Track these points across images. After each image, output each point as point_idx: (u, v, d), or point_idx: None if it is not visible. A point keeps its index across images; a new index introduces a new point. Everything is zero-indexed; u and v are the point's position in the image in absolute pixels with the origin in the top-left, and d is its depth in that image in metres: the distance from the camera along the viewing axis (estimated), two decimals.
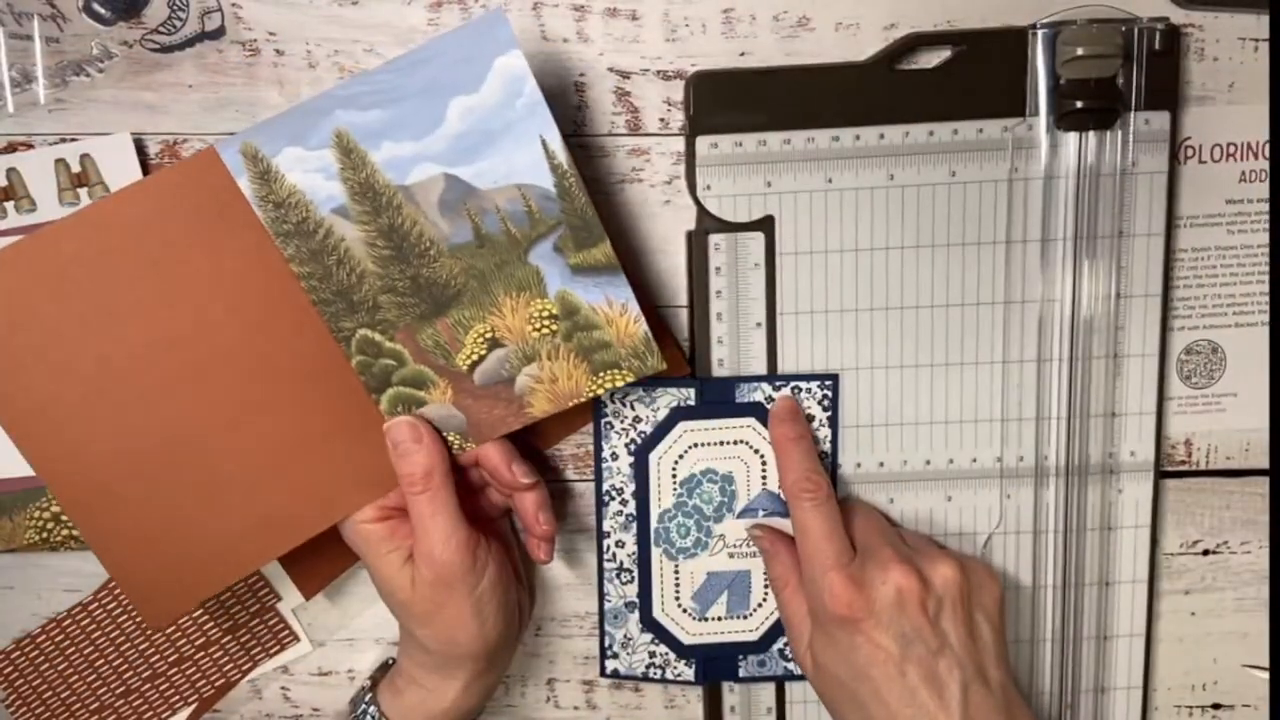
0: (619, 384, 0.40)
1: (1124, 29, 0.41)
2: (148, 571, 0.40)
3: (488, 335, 0.40)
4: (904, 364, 0.44)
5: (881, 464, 0.45)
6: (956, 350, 0.44)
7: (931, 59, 0.43)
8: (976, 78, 0.42)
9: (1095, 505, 0.45)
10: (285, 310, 0.39)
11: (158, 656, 0.47)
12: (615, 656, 0.47)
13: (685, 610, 0.46)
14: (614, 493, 0.45)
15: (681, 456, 0.44)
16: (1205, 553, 0.47)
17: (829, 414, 0.44)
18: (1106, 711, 0.47)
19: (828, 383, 0.44)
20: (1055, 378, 0.44)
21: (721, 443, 0.44)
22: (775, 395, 0.44)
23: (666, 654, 0.46)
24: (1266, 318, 0.45)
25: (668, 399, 0.44)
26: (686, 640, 0.46)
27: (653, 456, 0.44)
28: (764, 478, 0.45)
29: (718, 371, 0.44)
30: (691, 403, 0.44)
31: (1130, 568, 0.46)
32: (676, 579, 0.46)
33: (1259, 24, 0.43)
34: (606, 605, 0.46)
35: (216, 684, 0.48)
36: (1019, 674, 0.47)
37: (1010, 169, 0.43)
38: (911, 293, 0.44)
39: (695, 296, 0.44)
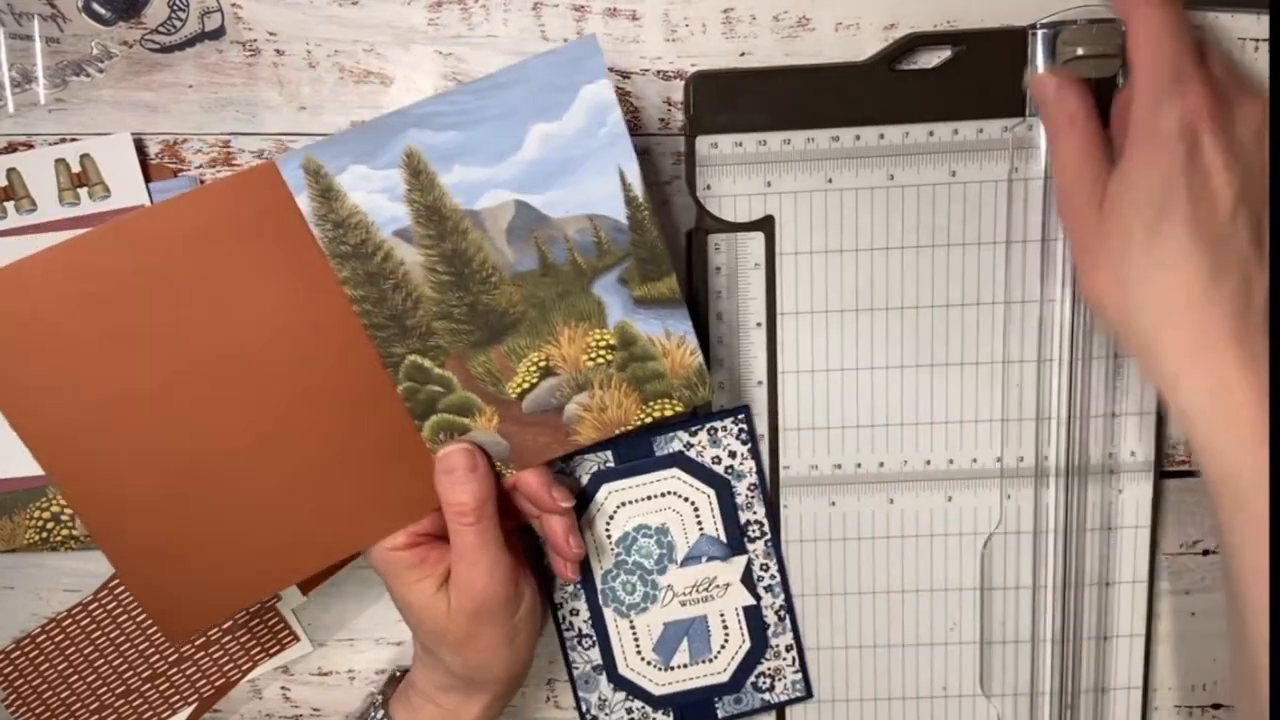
0: (668, 413, 0.40)
1: (1124, 29, 0.41)
2: (170, 588, 0.39)
3: (541, 364, 0.39)
4: (904, 364, 0.44)
5: (882, 464, 0.45)
6: (956, 350, 0.44)
7: (931, 59, 0.43)
8: (976, 78, 0.42)
9: (1095, 505, 0.45)
10: (331, 334, 0.38)
11: (158, 656, 0.47)
12: (595, 719, 0.47)
13: (649, 663, 0.46)
14: None
15: (612, 517, 0.45)
16: (1205, 553, 0.47)
17: (748, 446, 0.45)
18: (1106, 711, 0.47)
19: (740, 416, 0.44)
20: (1055, 378, 0.44)
21: (649, 497, 0.45)
22: (693, 440, 0.44)
23: (643, 707, 0.47)
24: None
25: (587, 464, 0.44)
26: (657, 691, 0.46)
27: (583, 522, 0.44)
28: (699, 524, 0.45)
29: (716, 373, 0.44)
30: (610, 464, 0.44)
31: (1130, 568, 0.46)
32: (634, 634, 0.46)
33: (1259, 24, 0.43)
34: (575, 673, 0.46)
35: (216, 684, 0.48)
36: (1019, 673, 0.47)
37: (1010, 169, 0.43)
38: (911, 293, 0.44)
39: (695, 296, 0.44)
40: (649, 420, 0.40)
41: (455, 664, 0.40)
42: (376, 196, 0.37)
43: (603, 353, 0.39)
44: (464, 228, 0.37)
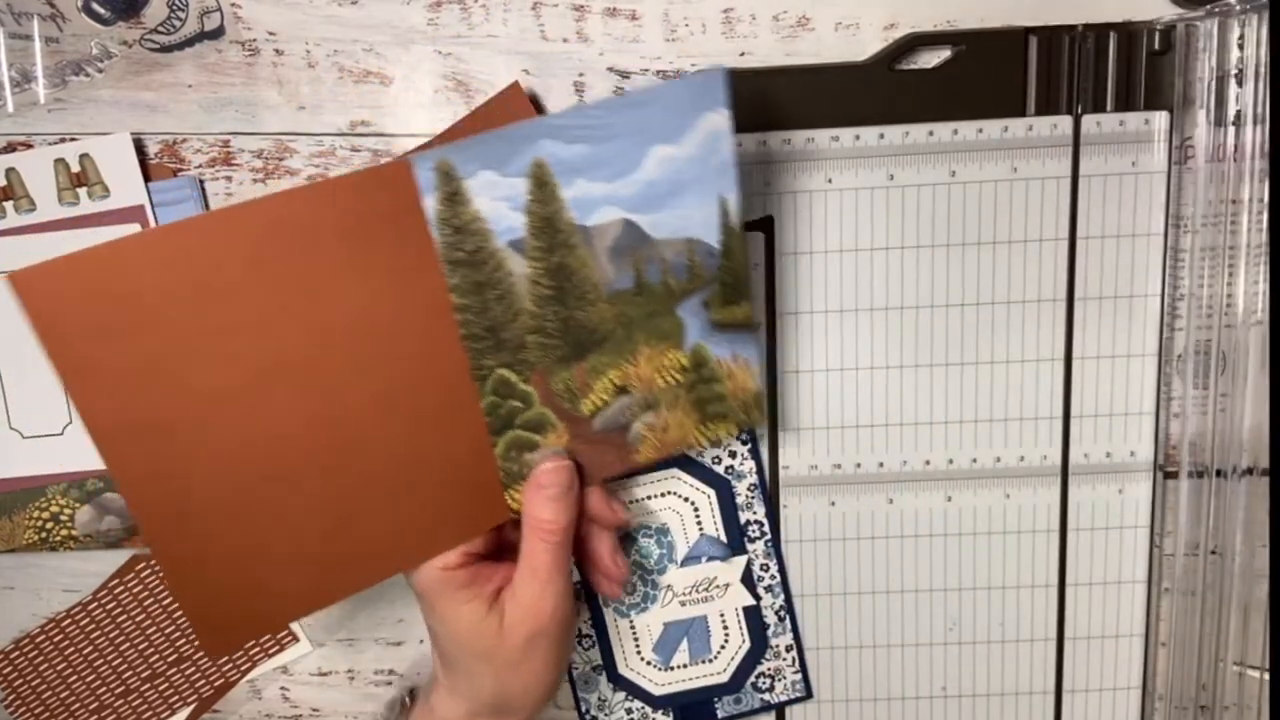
0: (722, 435, 0.40)
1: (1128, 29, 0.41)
2: (216, 600, 0.37)
3: (618, 382, 0.39)
4: (904, 364, 0.44)
5: (881, 464, 0.45)
6: (956, 350, 0.44)
7: (931, 59, 0.43)
8: (976, 78, 0.42)
9: (1095, 505, 0.45)
10: (424, 342, 0.37)
11: (157, 656, 0.47)
12: (595, 719, 0.47)
13: (649, 663, 0.46)
14: None
15: None
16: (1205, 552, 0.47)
17: (748, 446, 0.45)
18: (1106, 711, 0.47)
19: None
20: (1055, 378, 0.44)
21: (649, 497, 0.45)
22: None
23: (643, 708, 0.47)
24: (1266, 318, 0.45)
25: None
26: (657, 691, 0.46)
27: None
28: (699, 524, 0.45)
29: None
30: None
31: (1130, 568, 0.46)
32: (634, 634, 0.46)
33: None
34: (574, 673, 0.46)
35: (216, 684, 0.48)
36: (1018, 674, 0.47)
37: (1010, 169, 0.43)
38: (911, 293, 0.44)
39: None
40: (705, 443, 0.40)
41: (494, 688, 0.39)
42: (499, 204, 0.36)
43: (675, 374, 0.39)
44: (573, 243, 0.37)
